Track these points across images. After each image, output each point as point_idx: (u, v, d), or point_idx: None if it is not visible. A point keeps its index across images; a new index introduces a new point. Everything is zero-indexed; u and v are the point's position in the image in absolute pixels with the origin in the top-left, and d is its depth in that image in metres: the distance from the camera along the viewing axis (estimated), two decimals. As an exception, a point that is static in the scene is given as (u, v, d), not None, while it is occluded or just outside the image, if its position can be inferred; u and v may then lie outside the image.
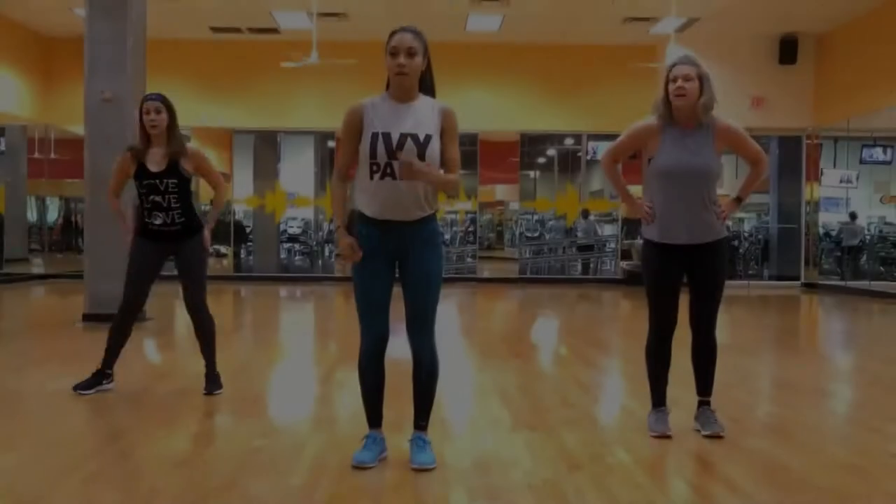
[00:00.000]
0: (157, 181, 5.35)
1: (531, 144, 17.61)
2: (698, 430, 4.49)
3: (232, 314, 11.51)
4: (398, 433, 4.15)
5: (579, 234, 17.59)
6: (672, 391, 4.60)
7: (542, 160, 18.86)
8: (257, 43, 16.38)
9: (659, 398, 4.57)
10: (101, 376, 5.49)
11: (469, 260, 17.74)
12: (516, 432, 4.56)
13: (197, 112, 15.55)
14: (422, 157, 3.63)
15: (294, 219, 17.92)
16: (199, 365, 5.60)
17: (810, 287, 16.16)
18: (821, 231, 16.89)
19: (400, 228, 3.72)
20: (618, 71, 16.34)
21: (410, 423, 3.96)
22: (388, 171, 3.65)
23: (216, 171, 5.70)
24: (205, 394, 5.42)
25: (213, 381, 5.54)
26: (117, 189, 5.66)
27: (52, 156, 17.62)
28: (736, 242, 17.66)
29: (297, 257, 18.47)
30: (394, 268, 3.81)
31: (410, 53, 3.67)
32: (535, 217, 17.99)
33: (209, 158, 5.64)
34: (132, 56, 9.20)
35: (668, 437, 4.39)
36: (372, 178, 3.67)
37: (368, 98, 3.78)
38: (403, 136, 3.65)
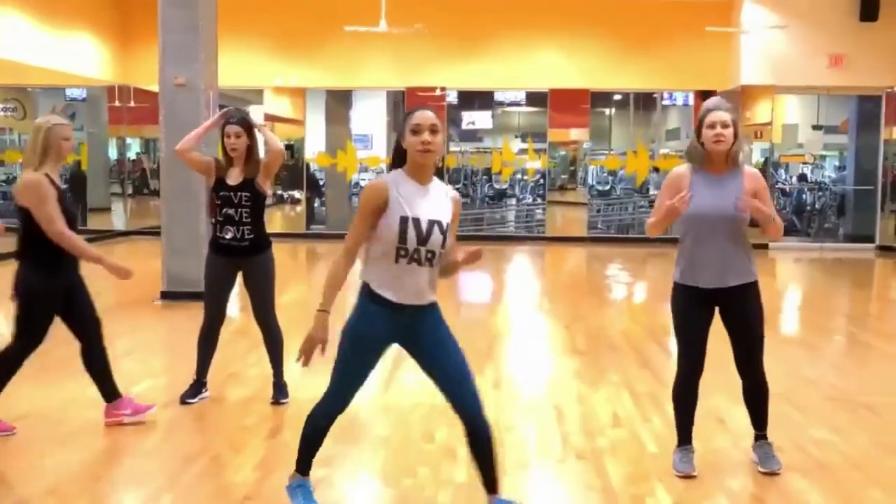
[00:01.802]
0: (233, 194, 5.63)
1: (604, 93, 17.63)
2: (756, 464, 4.64)
3: (304, 290, 11.84)
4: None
5: (651, 188, 17.53)
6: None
7: (617, 97, 18.78)
8: (329, 3, 16.46)
9: (685, 436, 4.70)
10: (200, 385, 5.85)
11: (539, 214, 17.85)
12: (564, 461, 4.76)
13: (270, 73, 15.80)
14: (443, 244, 3.67)
15: (366, 170, 18.22)
16: (260, 367, 5.90)
17: (885, 250, 15.86)
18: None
19: (413, 313, 3.72)
20: (691, 29, 16.03)
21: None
22: (416, 256, 3.63)
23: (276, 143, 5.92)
24: (272, 403, 5.74)
25: (279, 391, 5.85)
26: (195, 154, 5.89)
27: (132, 104, 18.19)
28: (809, 196, 17.44)
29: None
30: (384, 350, 3.87)
31: (433, 131, 3.62)
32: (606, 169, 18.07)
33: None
34: (204, 42, 9.43)
35: (693, 476, 4.53)
36: (398, 261, 3.64)
37: (389, 175, 3.73)
38: (431, 223, 3.64)
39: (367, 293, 3.73)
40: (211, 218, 5.92)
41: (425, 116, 3.65)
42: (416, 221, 3.62)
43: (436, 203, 3.70)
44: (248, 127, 5.67)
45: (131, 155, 19.93)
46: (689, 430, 4.72)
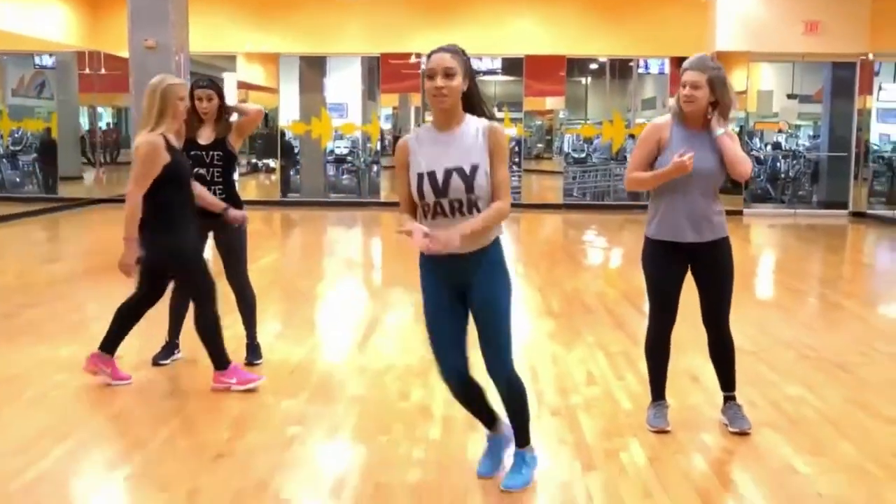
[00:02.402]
0: (204, 153, 5.58)
1: (581, 59, 17.54)
2: (726, 425, 4.64)
3: (275, 258, 11.78)
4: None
5: (627, 156, 17.52)
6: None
7: (593, 66, 18.70)
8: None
9: (658, 392, 4.72)
10: (173, 347, 5.82)
11: (514, 182, 17.80)
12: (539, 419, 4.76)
13: (242, 39, 15.61)
14: (470, 189, 3.54)
15: (341, 138, 18.09)
16: (234, 329, 5.86)
17: (859, 217, 15.98)
18: (874, 146, 16.66)
19: (459, 262, 3.61)
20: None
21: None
22: (439, 209, 3.58)
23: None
24: (245, 364, 5.69)
25: (253, 352, 5.81)
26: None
27: (103, 71, 17.91)
28: (784, 164, 17.53)
29: (344, 176, 18.69)
30: (464, 299, 3.72)
31: (448, 74, 3.49)
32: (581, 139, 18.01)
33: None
34: (174, 4, 9.30)
35: (667, 431, 4.56)
36: (426, 217, 3.62)
37: (414, 131, 3.73)
38: (448, 172, 3.54)
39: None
40: None
41: (439, 59, 3.52)
42: (432, 175, 3.57)
43: (460, 148, 3.58)
44: (217, 89, 5.62)
45: (102, 125, 19.70)
46: (663, 385, 4.73)
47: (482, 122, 3.63)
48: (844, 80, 16.52)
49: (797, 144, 18.29)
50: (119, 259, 5.09)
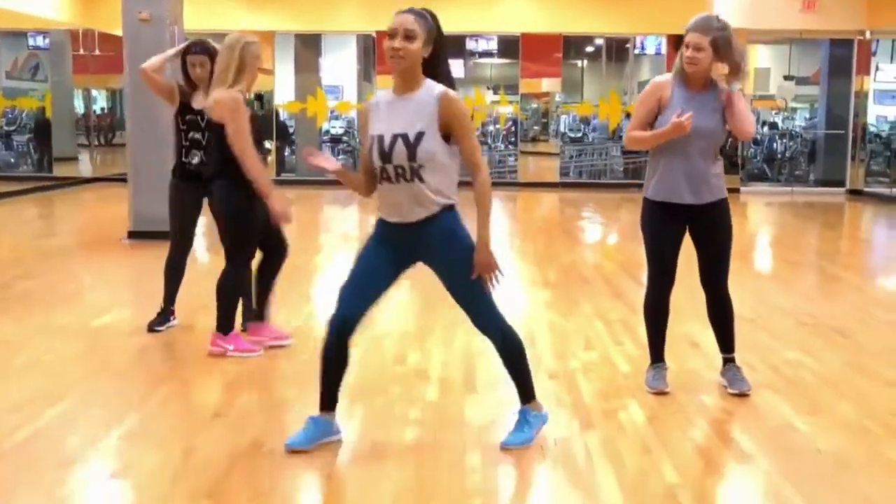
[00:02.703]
0: (199, 118, 5.53)
1: (576, 41, 17.42)
2: (725, 387, 4.61)
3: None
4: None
5: (623, 135, 17.44)
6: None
7: (589, 49, 18.57)
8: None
9: (657, 354, 4.68)
10: (168, 314, 5.76)
11: (511, 161, 17.77)
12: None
13: (237, 16, 15.51)
14: (412, 157, 3.47)
15: (337, 118, 18.03)
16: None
17: (855, 194, 15.95)
18: (871, 128, 16.62)
19: (408, 230, 3.61)
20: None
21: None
22: (384, 175, 3.56)
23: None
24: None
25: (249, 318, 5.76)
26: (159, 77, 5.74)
27: (97, 52, 17.79)
28: (782, 141, 17.47)
29: (339, 156, 18.63)
30: (400, 265, 3.70)
31: (408, 36, 3.43)
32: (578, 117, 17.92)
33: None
34: (168, -24, 9.20)
35: (666, 393, 4.53)
36: (379, 182, 3.62)
37: (376, 95, 3.72)
38: (394, 137, 3.50)
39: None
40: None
41: (401, 20, 3.46)
42: (381, 139, 3.54)
43: (408, 114, 3.52)
44: (210, 55, 5.53)
45: (97, 108, 19.61)
46: (662, 347, 4.70)
47: (437, 89, 3.53)
48: (842, 60, 16.44)
49: (794, 125, 18.23)
50: (271, 211, 4.90)
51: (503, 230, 11.52)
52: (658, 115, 4.41)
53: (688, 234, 4.57)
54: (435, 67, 3.58)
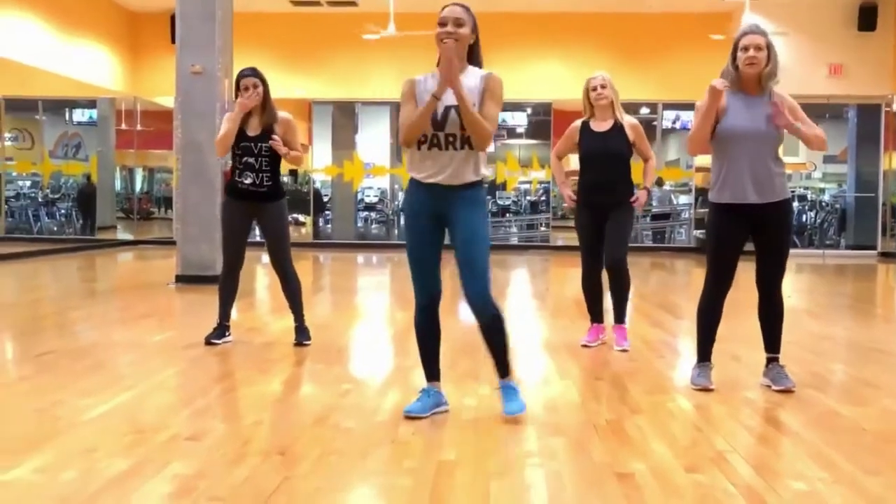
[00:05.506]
0: (253, 144, 5.79)
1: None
2: (769, 386, 4.70)
3: (312, 278, 11.98)
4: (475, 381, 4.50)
5: (654, 203, 17.64)
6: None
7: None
8: (336, 15, 16.84)
9: (704, 353, 4.80)
10: (224, 328, 5.96)
11: (542, 228, 18.02)
12: (584, 381, 4.87)
13: (277, 84, 16.05)
14: (465, 127, 3.83)
15: (370, 188, 18.43)
16: (283, 322, 6.02)
17: (887, 256, 16.02)
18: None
19: (444, 191, 3.91)
20: (691, 40, 16.36)
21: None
22: (435, 141, 3.88)
23: (299, 142, 6.08)
24: (294, 344, 5.84)
25: (302, 333, 5.96)
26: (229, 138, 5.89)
27: (139, 127, 18.38)
28: (812, 213, 17.58)
29: (373, 226, 18.99)
30: (441, 230, 4.02)
31: (458, 24, 3.86)
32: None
33: (298, 129, 6.06)
34: (221, 30, 9.65)
35: (711, 390, 4.63)
36: (420, 148, 3.92)
37: (422, 74, 4.01)
38: (447, 108, 3.85)
39: (410, 180, 4.07)
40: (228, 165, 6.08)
41: (451, 10, 3.93)
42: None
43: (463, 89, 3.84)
44: (262, 78, 5.84)
45: (136, 188, 20.28)
46: (710, 347, 4.81)
47: (483, 71, 3.98)
48: (869, 130, 16.64)
49: (822, 197, 18.22)
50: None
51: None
52: (717, 123, 4.59)
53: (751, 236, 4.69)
54: (476, 56, 4.01)
